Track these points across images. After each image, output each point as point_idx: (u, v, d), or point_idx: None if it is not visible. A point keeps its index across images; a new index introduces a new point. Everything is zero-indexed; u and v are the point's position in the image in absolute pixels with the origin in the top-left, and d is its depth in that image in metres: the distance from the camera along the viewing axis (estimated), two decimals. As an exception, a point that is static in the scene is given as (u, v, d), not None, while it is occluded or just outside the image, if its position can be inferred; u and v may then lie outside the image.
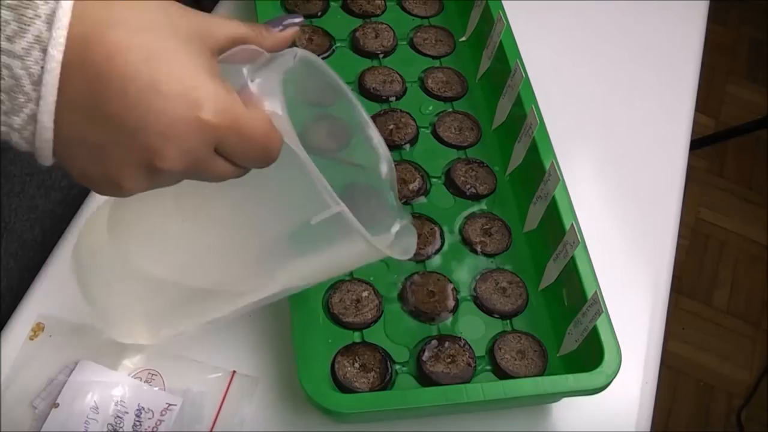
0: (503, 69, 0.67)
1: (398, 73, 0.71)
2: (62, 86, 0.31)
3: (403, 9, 0.77)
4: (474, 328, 0.57)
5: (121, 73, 0.31)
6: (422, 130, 0.68)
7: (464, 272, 0.60)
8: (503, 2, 0.71)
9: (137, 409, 0.52)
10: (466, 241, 0.61)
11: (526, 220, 0.62)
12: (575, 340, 0.54)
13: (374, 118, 0.67)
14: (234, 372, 0.56)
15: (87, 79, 0.31)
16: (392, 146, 0.66)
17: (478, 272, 0.60)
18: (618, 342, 0.53)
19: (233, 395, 0.55)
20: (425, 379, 0.54)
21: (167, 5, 0.34)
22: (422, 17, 0.77)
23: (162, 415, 0.53)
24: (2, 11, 0.29)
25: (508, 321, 0.58)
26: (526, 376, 0.55)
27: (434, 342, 0.55)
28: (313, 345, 0.51)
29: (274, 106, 0.37)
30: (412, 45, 0.74)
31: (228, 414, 0.54)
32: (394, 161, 0.65)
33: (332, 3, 0.76)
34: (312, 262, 0.45)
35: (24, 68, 0.30)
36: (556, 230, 0.58)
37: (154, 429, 0.52)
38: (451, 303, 0.58)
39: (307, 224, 0.40)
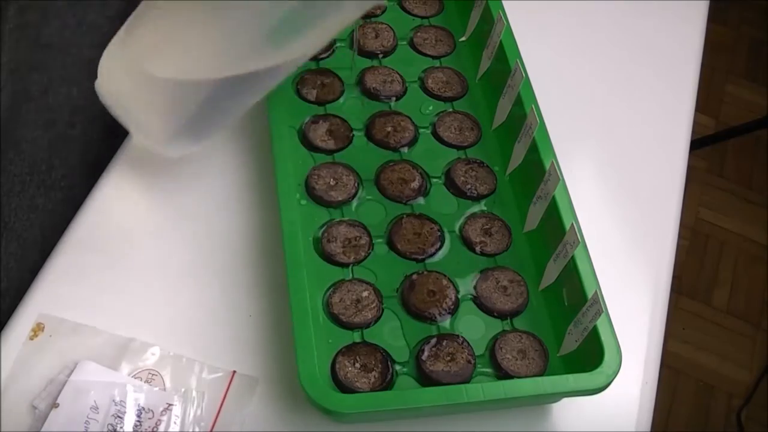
0: (503, 69, 0.67)
1: (398, 73, 0.71)
2: None
3: (403, 9, 0.77)
4: (474, 328, 0.57)
5: None
6: (422, 130, 0.68)
7: (464, 272, 0.60)
8: (503, 2, 0.71)
9: (137, 409, 0.52)
10: (466, 241, 0.61)
11: (526, 220, 0.62)
12: (575, 340, 0.55)
13: (374, 118, 0.67)
14: (234, 372, 0.56)
15: None
16: (392, 147, 0.66)
17: (479, 271, 0.60)
18: (618, 342, 0.53)
19: (233, 395, 0.55)
20: (425, 379, 0.54)
21: None
22: (422, 17, 0.77)
23: (162, 415, 0.53)
24: None
25: (508, 320, 0.58)
26: (526, 376, 0.55)
27: (433, 341, 0.55)
28: (313, 345, 0.51)
29: None
30: (412, 45, 0.74)
31: (228, 414, 0.54)
32: (394, 162, 0.65)
33: (332, 3, 0.76)
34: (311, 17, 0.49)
35: None
36: (556, 230, 0.58)
37: (154, 429, 0.52)
38: (451, 303, 0.58)
39: None
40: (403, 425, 0.55)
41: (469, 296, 0.59)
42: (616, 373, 0.52)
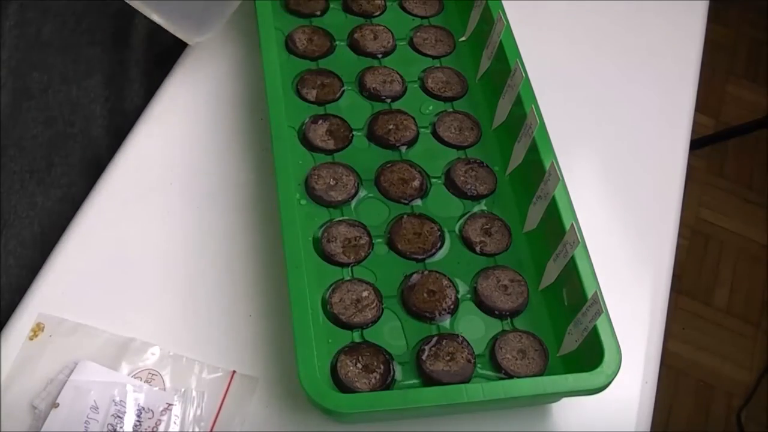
0: (503, 69, 0.67)
1: (398, 73, 0.71)
2: None
3: (403, 9, 0.77)
4: (474, 328, 0.57)
5: None
6: (422, 130, 0.68)
7: (464, 272, 0.60)
8: (503, 2, 0.71)
9: (137, 409, 0.52)
10: (466, 241, 0.61)
11: (526, 220, 0.62)
12: (575, 340, 0.54)
13: (377, 115, 0.67)
14: (234, 372, 0.56)
15: None
16: (392, 145, 0.66)
17: (479, 270, 0.60)
18: (618, 342, 0.53)
19: (233, 395, 0.55)
20: (425, 379, 0.54)
21: None
22: (422, 17, 0.77)
23: (162, 415, 0.53)
24: None
25: (508, 320, 0.58)
26: (526, 376, 0.55)
27: (433, 341, 0.55)
28: (313, 345, 0.51)
29: None
30: (411, 45, 0.74)
31: (228, 414, 0.54)
32: (394, 162, 0.65)
33: (332, 3, 0.76)
34: None
35: None
36: (556, 230, 0.58)
37: (154, 429, 0.52)
38: (451, 302, 0.58)
39: None
40: (403, 425, 0.55)
41: (469, 296, 0.59)
42: (616, 373, 0.52)
